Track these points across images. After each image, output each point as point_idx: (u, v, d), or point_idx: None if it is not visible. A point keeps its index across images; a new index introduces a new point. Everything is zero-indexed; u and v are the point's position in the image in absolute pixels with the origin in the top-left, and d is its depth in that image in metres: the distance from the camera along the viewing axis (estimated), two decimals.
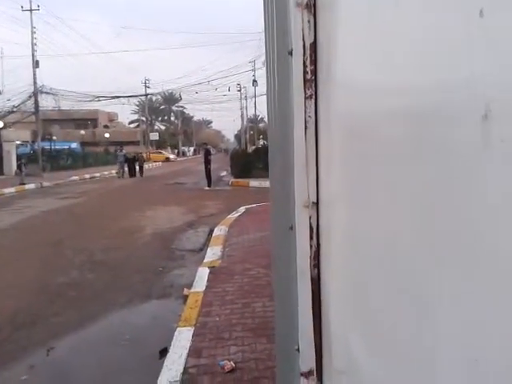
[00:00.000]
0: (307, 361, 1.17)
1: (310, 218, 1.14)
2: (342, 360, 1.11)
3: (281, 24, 1.29)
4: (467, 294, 0.64)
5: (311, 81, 1.11)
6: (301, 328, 1.18)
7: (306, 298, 1.16)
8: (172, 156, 65.40)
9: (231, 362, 3.60)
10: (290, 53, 1.15)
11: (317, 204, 1.15)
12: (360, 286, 1.03)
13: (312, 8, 1.09)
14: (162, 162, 55.58)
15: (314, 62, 1.11)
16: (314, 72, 1.11)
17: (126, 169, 30.42)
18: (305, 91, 1.11)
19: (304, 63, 1.10)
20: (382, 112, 0.94)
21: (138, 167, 30.75)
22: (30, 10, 31.45)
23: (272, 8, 1.40)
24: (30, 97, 32.06)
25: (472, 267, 0.63)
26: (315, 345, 1.16)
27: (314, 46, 1.10)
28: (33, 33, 31.80)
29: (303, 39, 1.10)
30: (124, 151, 31.25)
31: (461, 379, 0.68)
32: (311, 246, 1.15)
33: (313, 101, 1.12)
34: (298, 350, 1.20)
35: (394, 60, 0.89)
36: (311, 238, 1.15)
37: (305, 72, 1.11)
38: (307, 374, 1.17)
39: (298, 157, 1.14)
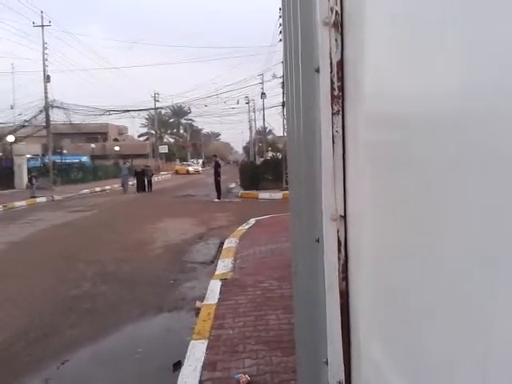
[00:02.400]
0: (336, 373, 1.18)
1: (337, 231, 1.16)
2: (371, 373, 1.12)
3: (306, 41, 1.32)
4: (506, 308, 0.64)
5: (338, 97, 1.14)
6: (329, 341, 1.19)
7: (335, 311, 1.17)
8: (194, 168, 63.29)
9: (246, 376, 3.59)
10: (317, 70, 1.18)
11: (344, 217, 1.17)
12: (390, 299, 1.04)
13: (339, 27, 1.12)
14: (185, 174, 57.00)
15: (341, 79, 1.13)
16: (341, 89, 1.14)
17: (130, 183, 28.56)
18: (332, 107, 1.14)
19: (331, 80, 1.13)
20: (409, 126, 0.96)
21: (146, 181, 28.48)
22: (42, 26, 31.95)
23: (296, 26, 1.44)
24: (41, 111, 32.45)
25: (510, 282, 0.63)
26: (344, 357, 1.17)
27: (340, 63, 1.13)
28: (44, 48, 32.28)
29: (330, 57, 1.12)
30: (128, 164, 30.08)
31: None
32: (339, 259, 1.16)
33: (340, 116, 1.15)
34: (327, 362, 1.20)
35: (420, 76, 0.90)
36: (339, 251, 1.16)
37: (332, 89, 1.13)
38: None
39: (326, 171, 1.17)
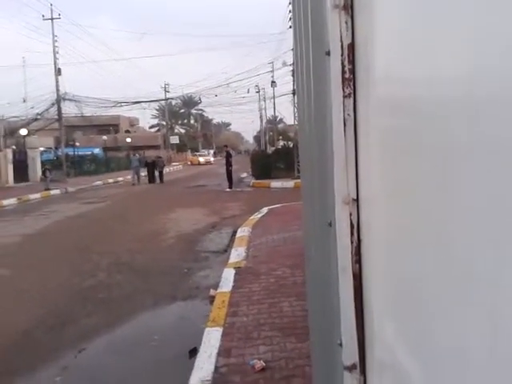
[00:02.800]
0: (350, 355, 1.20)
1: (350, 214, 1.17)
2: (384, 354, 1.13)
3: (316, 25, 1.32)
4: None
5: (350, 80, 1.14)
6: (343, 323, 1.20)
7: (348, 294, 1.18)
8: (205, 159, 61.44)
9: (261, 361, 3.63)
10: (328, 53, 1.18)
11: (357, 200, 1.17)
12: (402, 281, 1.05)
13: (349, 9, 1.12)
14: (192, 164, 56.55)
15: (352, 61, 1.13)
16: (353, 71, 1.13)
17: (142, 174, 28.26)
18: (343, 90, 1.14)
19: (342, 63, 1.13)
20: (421, 109, 0.95)
21: (157, 172, 28.32)
22: (51, 19, 32.05)
23: (306, 9, 1.43)
24: (53, 104, 32.69)
25: None
26: (358, 339, 1.18)
27: (351, 46, 1.13)
28: (54, 41, 32.43)
29: (341, 40, 1.12)
30: (138, 155, 29.67)
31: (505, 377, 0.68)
32: (352, 242, 1.17)
33: (351, 99, 1.15)
34: (341, 344, 1.22)
35: (432, 57, 0.90)
36: (352, 234, 1.17)
37: (343, 71, 1.13)
38: (351, 368, 1.19)
39: (338, 155, 1.17)
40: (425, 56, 0.92)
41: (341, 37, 1.12)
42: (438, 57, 0.87)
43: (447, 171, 0.84)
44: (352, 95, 1.15)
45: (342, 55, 1.13)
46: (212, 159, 62.86)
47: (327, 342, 1.40)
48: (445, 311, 0.88)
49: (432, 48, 0.89)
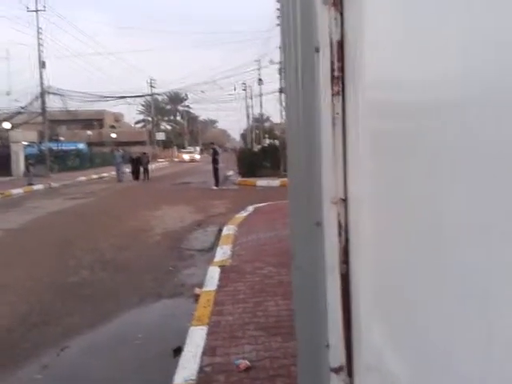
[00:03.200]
0: (338, 356, 1.18)
1: (338, 214, 1.15)
2: (371, 356, 1.12)
3: (305, 21, 1.29)
4: (508, 292, 0.63)
5: (338, 78, 1.12)
6: (330, 324, 1.19)
7: (336, 294, 1.16)
8: (190, 156, 59.17)
9: (246, 361, 3.61)
10: (317, 50, 1.15)
11: (345, 200, 1.15)
12: (390, 282, 1.03)
13: (339, 5, 1.10)
14: (180, 161, 54.04)
15: (342, 59, 1.11)
16: (342, 69, 1.12)
17: (127, 170, 27.61)
18: (332, 88, 1.12)
19: (331, 60, 1.11)
20: (410, 109, 0.94)
21: (142, 169, 27.46)
22: (36, 11, 31.61)
23: (295, 5, 1.41)
24: (37, 97, 32.24)
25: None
26: (345, 341, 1.17)
27: (340, 43, 1.11)
28: (39, 33, 31.97)
29: (330, 36, 1.10)
30: (121, 151, 29.04)
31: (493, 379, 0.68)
32: (340, 242, 1.15)
33: (340, 97, 1.13)
34: (328, 345, 1.20)
35: (422, 55, 0.89)
36: (340, 234, 1.15)
37: (332, 69, 1.11)
38: (337, 370, 1.18)
39: (326, 154, 1.15)
40: (415, 53, 0.91)
41: (330, 33, 1.10)
42: (428, 54, 0.86)
43: (436, 170, 0.83)
44: (341, 93, 1.13)
45: (331, 52, 1.11)
46: (198, 157, 60.44)
47: (314, 344, 1.39)
48: (433, 313, 0.87)
49: (422, 45, 0.88)
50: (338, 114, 1.13)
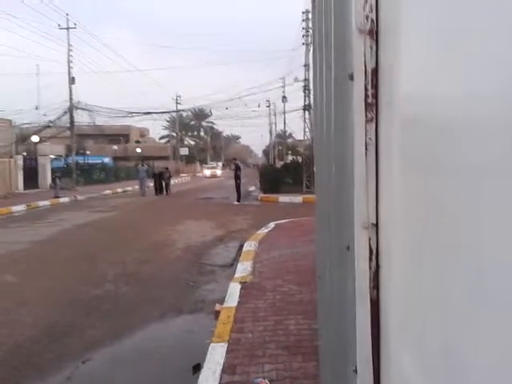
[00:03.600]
0: (365, 382, 1.17)
1: (369, 239, 1.15)
2: (400, 383, 1.11)
3: (340, 48, 1.32)
4: None
5: (372, 104, 1.13)
6: (359, 349, 1.18)
7: (365, 320, 1.16)
8: (211, 172, 57.00)
9: (266, 380, 3.58)
10: (351, 77, 1.18)
11: (376, 225, 1.16)
12: (422, 310, 1.03)
13: (374, 34, 1.12)
14: (205, 176, 52.68)
15: (376, 86, 1.13)
16: (375, 96, 1.13)
17: (151, 184, 28.16)
18: (366, 114, 1.13)
19: (365, 87, 1.13)
20: (444, 134, 0.94)
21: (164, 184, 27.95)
22: (67, 29, 32.57)
23: (329, 32, 1.44)
24: (66, 112, 33.05)
25: None
26: (373, 366, 1.16)
27: (375, 70, 1.12)
28: (69, 50, 32.90)
29: (365, 64, 1.12)
30: (145, 166, 29.26)
31: None
32: (370, 268, 1.16)
33: (373, 124, 1.14)
34: (356, 371, 1.20)
35: (457, 82, 0.89)
36: (370, 259, 1.15)
37: (366, 96, 1.13)
38: None
39: (358, 178, 1.16)
40: (450, 81, 0.91)
41: (365, 61, 1.12)
42: (463, 82, 0.86)
43: (472, 197, 0.83)
44: (374, 119, 1.14)
45: (365, 79, 1.13)
46: (219, 172, 58.85)
47: (341, 368, 1.38)
48: (467, 342, 0.86)
49: (457, 73, 0.89)
50: (370, 139, 1.15)
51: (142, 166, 29.16)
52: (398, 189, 1.11)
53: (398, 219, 1.12)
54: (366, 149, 1.15)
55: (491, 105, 0.75)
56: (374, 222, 1.16)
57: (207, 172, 57.64)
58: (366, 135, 1.14)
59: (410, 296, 1.07)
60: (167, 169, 29.49)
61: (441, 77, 0.96)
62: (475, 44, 0.82)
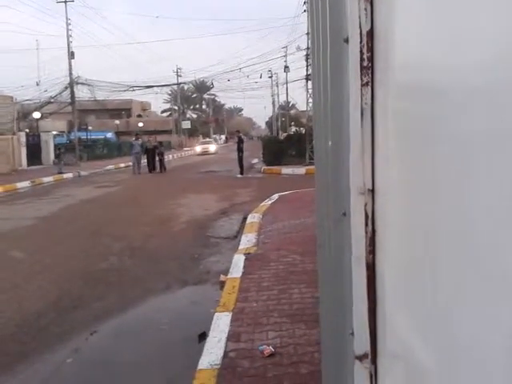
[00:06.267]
0: (362, 344, 1.20)
1: (365, 204, 1.16)
2: (396, 344, 1.13)
3: (334, 12, 1.30)
4: None
5: (368, 68, 1.12)
6: (355, 313, 1.20)
7: (361, 284, 1.18)
8: (203, 148, 45.79)
9: (270, 347, 3.65)
10: (346, 40, 1.16)
11: (372, 191, 1.16)
12: (416, 272, 1.04)
13: None
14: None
15: (371, 49, 1.11)
16: (371, 59, 1.12)
17: (145, 161, 25.10)
18: (361, 78, 1.12)
19: (361, 50, 1.11)
20: (440, 98, 0.94)
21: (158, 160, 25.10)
22: (65, 2, 32.03)
23: None
24: (66, 88, 32.83)
25: None
26: (370, 329, 1.18)
27: (370, 33, 1.11)
28: (68, 24, 32.45)
29: (360, 27, 1.10)
30: (140, 140, 25.97)
31: None
32: (366, 233, 1.16)
33: (369, 88, 1.13)
34: (353, 333, 1.22)
35: (453, 44, 0.88)
36: (366, 224, 1.16)
37: (361, 59, 1.11)
38: (362, 357, 1.19)
39: (354, 144, 1.16)
40: (445, 43, 0.90)
41: (360, 24, 1.10)
42: (459, 43, 0.85)
43: (467, 161, 0.83)
44: (370, 83, 1.13)
45: (360, 42, 1.11)
46: (213, 148, 47.12)
47: (338, 331, 1.41)
48: (459, 303, 0.88)
49: (453, 34, 0.87)
50: (366, 104, 1.14)
51: (137, 139, 25.99)
52: (394, 154, 1.11)
53: (394, 184, 1.12)
54: (362, 114, 1.14)
55: (488, 70, 0.75)
56: (371, 187, 1.16)
57: (198, 148, 46.66)
58: (361, 100, 1.13)
59: (406, 261, 1.08)
60: (160, 143, 26.58)
61: (437, 39, 0.95)
62: (471, 8, 0.80)
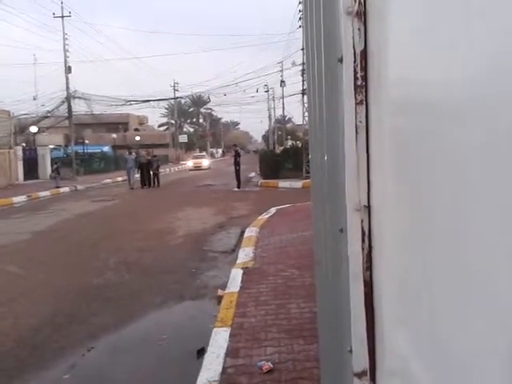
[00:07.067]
0: (360, 361, 1.20)
1: (361, 221, 1.17)
2: (394, 361, 1.13)
3: (328, 31, 1.32)
4: None
5: (362, 87, 1.14)
6: (353, 329, 1.20)
7: (359, 300, 1.18)
8: (195, 163, 42.91)
9: (269, 363, 3.63)
10: (340, 60, 1.18)
11: (368, 207, 1.17)
12: (414, 289, 1.04)
13: (362, 16, 1.11)
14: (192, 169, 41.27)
15: (365, 68, 1.13)
16: (365, 78, 1.13)
17: (137, 175, 24.09)
18: (355, 97, 1.14)
19: (354, 70, 1.13)
20: (433, 116, 0.95)
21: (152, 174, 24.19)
22: (62, 17, 32.29)
23: (318, 15, 1.43)
24: (63, 102, 32.92)
25: None
26: (368, 346, 1.18)
27: (364, 53, 1.12)
28: (65, 39, 32.67)
29: (353, 47, 1.12)
30: (134, 154, 25.14)
31: None
32: (363, 249, 1.17)
33: (363, 106, 1.14)
34: (351, 351, 1.22)
35: (445, 64, 0.90)
36: (363, 240, 1.17)
37: (355, 78, 1.13)
38: (360, 375, 1.19)
39: (349, 161, 1.17)
40: (437, 62, 0.92)
41: (353, 44, 1.12)
42: (450, 63, 0.87)
43: (461, 179, 0.83)
44: (364, 102, 1.15)
45: (354, 62, 1.13)
46: (206, 163, 43.99)
47: (337, 348, 1.40)
48: (456, 319, 0.88)
49: (444, 54, 0.89)
50: (361, 122, 1.15)
51: (130, 154, 25.14)
52: (389, 171, 1.12)
53: (389, 201, 1.13)
54: (357, 132, 1.15)
55: (479, 87, 0.76)
56: (366, 204, 1.17)
57: (190, 163, 44.02)
58: (356, 118, 1.15)
59: (403, 277, 1.09)
60: (155, 156, 25.53)
61: (429, 59, 0.96)
62: (463, 27, 0.82)
